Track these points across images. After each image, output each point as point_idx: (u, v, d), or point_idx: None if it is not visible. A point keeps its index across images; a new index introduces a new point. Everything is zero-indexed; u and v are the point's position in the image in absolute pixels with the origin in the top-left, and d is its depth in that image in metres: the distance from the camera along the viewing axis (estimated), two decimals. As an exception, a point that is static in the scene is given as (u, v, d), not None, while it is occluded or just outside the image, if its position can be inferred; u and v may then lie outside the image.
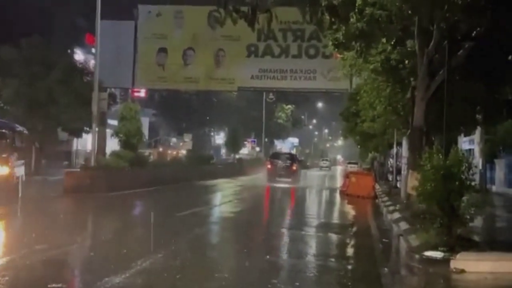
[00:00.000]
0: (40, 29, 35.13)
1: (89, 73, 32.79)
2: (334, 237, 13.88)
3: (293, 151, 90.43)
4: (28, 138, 22.37)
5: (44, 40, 33.58)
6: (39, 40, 32.74)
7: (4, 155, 17.21)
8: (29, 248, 9.95)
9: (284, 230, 14.85)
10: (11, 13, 40.55)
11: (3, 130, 18.33)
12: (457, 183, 10.85)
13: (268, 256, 10.58)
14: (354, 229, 15.89)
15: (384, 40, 16.91)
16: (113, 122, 35.94)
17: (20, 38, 32.30)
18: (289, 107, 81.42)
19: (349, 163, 69.62)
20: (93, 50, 30.51)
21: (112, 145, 31.60)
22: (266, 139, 75.71)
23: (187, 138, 57.23)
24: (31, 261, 9.02)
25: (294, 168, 40.34)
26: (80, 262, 9.83)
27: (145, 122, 42.07)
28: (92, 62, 32.38)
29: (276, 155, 44.27)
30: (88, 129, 29.75)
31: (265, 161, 47.56)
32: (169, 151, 55.29)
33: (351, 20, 13.72)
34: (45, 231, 12.29)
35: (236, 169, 49.79)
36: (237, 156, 60.44)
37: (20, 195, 17.73)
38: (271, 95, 68.31)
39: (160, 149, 56.79)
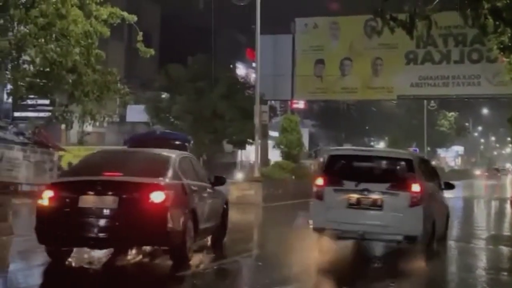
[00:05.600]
0: (204, 47, 36.94)
1: (250, 87, 33.83)
2: (505, 250, 13.23)
3: (458, 160, 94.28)
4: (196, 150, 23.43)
5: (208, 57, 35.22)
6: (204, 58, 34.38)
7: None
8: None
9: (452, 242, 14.36)
10: (178, 34, 43.18)
11: (181, 142, 19.42)
12: None
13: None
14: (528, 241, 15.02)
15: (556, 41, 15.82)
16: (274, 133, 36.82)
17: (186, 57, 34.19)
18: (452, 114, 78.58)
19: (520, 171, 66.04)
20: (254, 65, 31.49)
21: (274, 156, 32.36)
22: (428, 148, 73.49)
23: (347, 148, 56.96)
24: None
25: (499, 174, 77.97)
26: (247, 271, 10.27)
27: (305, 133, 42.61)
28: (252, 76, 33.41)
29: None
30: (251, 141, 30.69)
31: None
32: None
33: (518, 22, 13.00)
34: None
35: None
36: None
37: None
38: (432, 103, 66.23)
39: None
